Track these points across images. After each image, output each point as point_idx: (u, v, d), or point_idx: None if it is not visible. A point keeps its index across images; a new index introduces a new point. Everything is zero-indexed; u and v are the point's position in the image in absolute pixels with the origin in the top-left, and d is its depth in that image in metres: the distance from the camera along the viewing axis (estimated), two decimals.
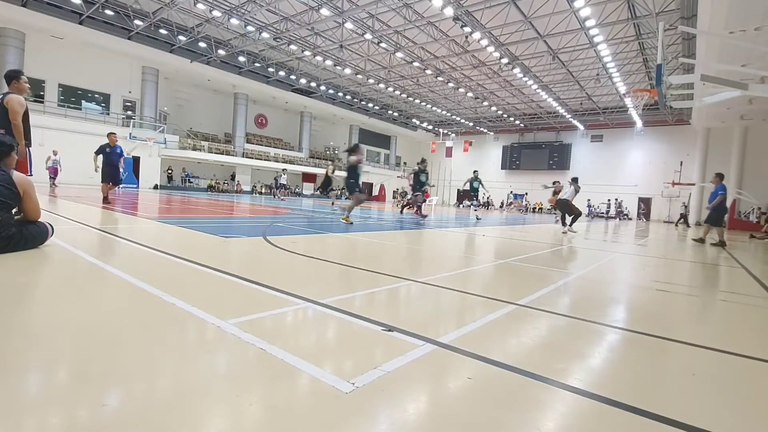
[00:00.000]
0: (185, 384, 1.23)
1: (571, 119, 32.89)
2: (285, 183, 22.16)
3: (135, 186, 21.38)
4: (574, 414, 1.21)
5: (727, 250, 7.70)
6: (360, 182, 8.56)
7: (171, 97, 28.38)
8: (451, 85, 27.47)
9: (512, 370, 1.47)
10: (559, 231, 9.50)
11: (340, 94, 32.24)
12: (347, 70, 26.43)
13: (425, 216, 11.60)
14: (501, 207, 36.67)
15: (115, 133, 9.03)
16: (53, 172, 14.90)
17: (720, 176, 9.08)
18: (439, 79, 26.57)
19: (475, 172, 13.54)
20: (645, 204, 31.43)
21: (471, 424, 1.11)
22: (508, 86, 28.45)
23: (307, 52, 24.33)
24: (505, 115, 35.16)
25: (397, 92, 30.48)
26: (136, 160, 22.36)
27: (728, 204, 20.72)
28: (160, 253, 3.40)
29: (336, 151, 40.69)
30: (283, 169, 22.63)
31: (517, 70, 22.82)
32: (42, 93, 21.90)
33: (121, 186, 19.00)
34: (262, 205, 13.68)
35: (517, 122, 36.70)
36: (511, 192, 37.77)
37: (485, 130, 39.94)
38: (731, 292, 3.50)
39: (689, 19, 14.05)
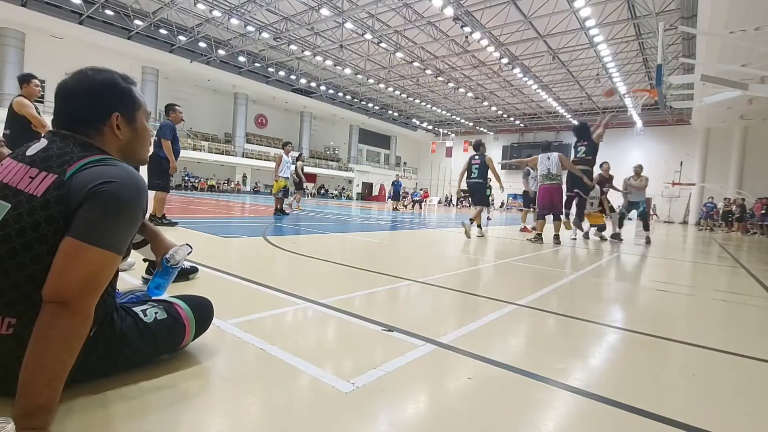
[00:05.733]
0: (184, 384, 1.22)
1: (571, 119, 32.89)
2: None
3: None
4: (574, 414, 1.21)
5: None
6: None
7: (171, 97, 28.35)
8: (451, 85, 27.48)
9: (512, 370, 1.47)
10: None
11: (340, 94, 32.25)
12: (347, 70, 26.43)
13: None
14: (501, 207, 36.64)
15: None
16: None
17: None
18: (439, 79, 26.58)
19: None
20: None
21: (471, 423, 1.11)
22: (508, 86, 28.46)
23: (307, 52, 24.34)
24: (505, 115, 35.17)
25: (397, 92, 30.48)
26: None
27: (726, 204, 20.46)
28: None
29: (336, 151, 40.71)
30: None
31: (517, 70, 22.83)
32: (42, 93, 21.87)
33: None
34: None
35: (517, 122, 36.71)
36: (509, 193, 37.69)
37: (485, 130, 39.96)
38: (730, 291, 3.50)
39: (689, 19, 14.05)
